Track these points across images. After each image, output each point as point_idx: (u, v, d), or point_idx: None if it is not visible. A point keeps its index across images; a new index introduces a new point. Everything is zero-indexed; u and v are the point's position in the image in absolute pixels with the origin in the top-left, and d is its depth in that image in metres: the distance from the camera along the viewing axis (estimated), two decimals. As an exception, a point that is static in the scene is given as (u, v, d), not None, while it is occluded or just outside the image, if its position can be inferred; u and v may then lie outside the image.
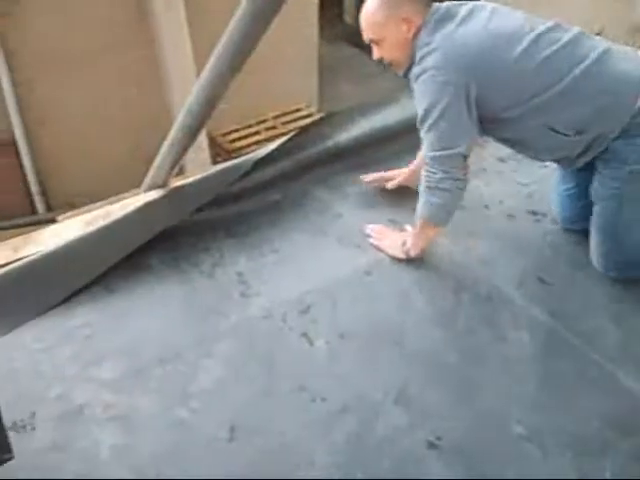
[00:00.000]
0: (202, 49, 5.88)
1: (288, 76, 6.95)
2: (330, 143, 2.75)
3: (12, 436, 1.80)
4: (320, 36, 7.33)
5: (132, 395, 1.93)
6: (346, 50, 9.19)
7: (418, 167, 2.47)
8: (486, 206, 2.54)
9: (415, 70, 2.07)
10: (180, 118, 2.16)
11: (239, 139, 6.56)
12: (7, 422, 1.84)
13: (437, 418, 1.85)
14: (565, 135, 2.06)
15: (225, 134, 6.53)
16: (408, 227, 2.38)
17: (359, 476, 1.72)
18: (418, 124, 2.11)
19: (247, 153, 4.40)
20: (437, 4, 2.13)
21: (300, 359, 2.02)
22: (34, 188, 6.20)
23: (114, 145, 6.36)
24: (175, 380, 1.97)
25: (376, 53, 2.19)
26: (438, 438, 1.80)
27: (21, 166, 6.10)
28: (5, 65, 5.56)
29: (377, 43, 2.16)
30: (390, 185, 2.59)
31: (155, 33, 5.92)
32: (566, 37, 2.02)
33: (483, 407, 1.89)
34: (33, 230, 2.52)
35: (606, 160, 2.08)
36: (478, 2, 2.14)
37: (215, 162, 6.15)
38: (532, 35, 2.01)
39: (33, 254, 2.28)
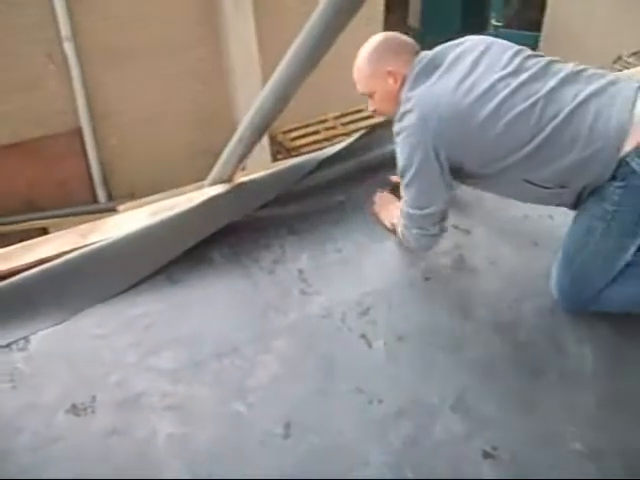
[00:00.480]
0: (268, 48, 5.97)
1: (350, 77, 6.93)
2: (393, 146, 2.73)
3: (72, 419, 1.86)
4: (384, 39, 7.30)
5: (190, 386, 1.96)
6: (409, 53, 9.15)
7: None
8: (550, 216, 2.50)
9: (395, 127, 2.09)
10: (250, 114, 2.18)
11: (299, 137, 6.60)
12: (67, 405, 1.90)
13: (494, 428, 1.83)
14: (547, 188, 1.99)
15: (286, 132, 6.58)
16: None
17: (411, 478, 1.71)
18: (399, 176, 2.14)
19: (306, 152, 4.43)
20: (424, 53, 2.12)
21: (358, 360, 2.02)
22: (97, 177, 6.34)
23: (176, 139, 6.46)
24: (232, 374, 1.99)
25: (371, 107, 2.25)
26: (494, 448, 1.78)
27: (85, 155, 6.23)
28: (75, 57, 5.69)
29: (369, 96, 2.20)
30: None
31: (223, 31, 5.99)
32: (547, 86, 1.92)
33: (541, 421, 1.86)
34: (94, 218, 2.56)
35: (591, 192, 1.98)
36: (469, 42, 2.10)
37: (275, 160, 6.19)
38: (506, 91, 1.92)
39: (99, 241, 2.32)
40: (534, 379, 1.97)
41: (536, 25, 7.26)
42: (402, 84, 2.09)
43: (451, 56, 2.05)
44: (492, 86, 1.94)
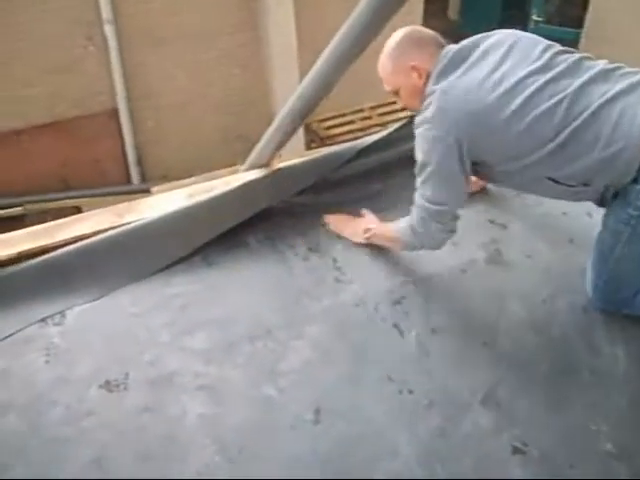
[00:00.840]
0: (306, 37, 5.97)
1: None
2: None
3: (104, 394, 1.89)
4: (423, 30, 7.26)
5: (222, 367, 1.97)
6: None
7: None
8: (589, 214, 2.48)
9: (416, 119, 2.04)
10: (291, 101, 2.18)
11: (334, 127, 6.58)
12: (100, 380, 1.92)
13: (524, 424, 1.82)
14: (570, 186, 1.95)
15: (321, 121, 6.56)
16: (365, 211, 2.42)
17: (438, 470, 1.71)
18: (415, 171, 2.07)
19: (341, 141, 4.42)
20: (450, 46, 2.05)
21: (390, 349, 2.02)
22: (131, 158, 6.38)
23: (211, 123, 6.48)
24: (264, 357, 2.00)
25: (399, 103, 2.22)
26: (524, 444, 1.77)
27: (121, 137, 6.28)
28: (115, 40, 5.73)
29: (395, 93, 2.15)
30: None
31: (263, 18, 5.99)
32: (576, 83, 1.88)
33: (572, 419, 1.84)
34: (127, 199, 2.58)
35: (616, 196, 1.94)
36: (498, 36, 2.04)
37: (309, 148, 6.19)
38: (533, 88, 1.88)
39: (136, 221, 2.34)
40: (566, 376, 1.95)
41: (577, 21, 7.14)
42: (427, 79, 2.03)
43: (479, 49, 2.00)
44: (520, 81, 1.90)
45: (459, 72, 1.96)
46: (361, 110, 6.81)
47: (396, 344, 2.04)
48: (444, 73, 1.98)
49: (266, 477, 1.70)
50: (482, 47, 2.01)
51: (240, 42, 6.22)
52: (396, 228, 2.19)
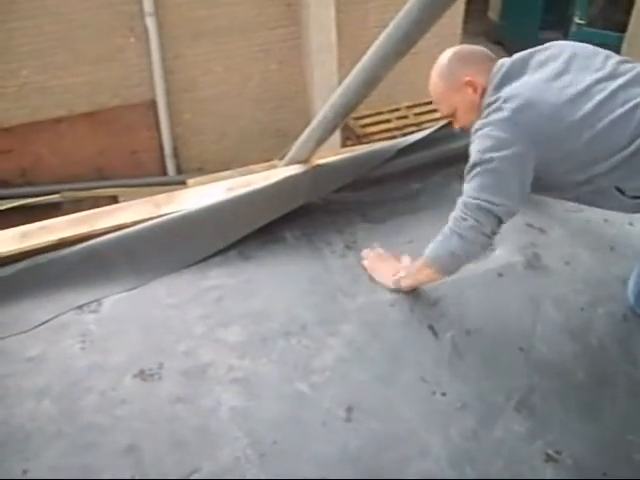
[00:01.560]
0: (345, 36, 5.98)
1: (426, 68, 6.88)
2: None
3: (138, 383, 1.90)
4: (463, 30, 7.23)
5: (255, 361, 1.98)
6: (487, 47, 8.96)
7: None
8: (631, 223, 2.44)
9: (477, 123, 1.95)
10: (334, 96, 2.18)
11: (370, 125, 6.57)
12: (135, 369, 1.94)
13: (558, 432, 1.80)
14: (636, 197, 1.90)
15: (357, 118, 6.55)
16: (405, 258, 2.26)
17: (469, 473, 1.70)
18: (465, 174, 1.98)
19: (376, 140, 4.42)
20: (503, 60, 1.99)
21: (424, 350, 2.01)
22: (168, 150, 6.44)
23: (248, 117, 6.52)
24: (298, 353, 2.00)
25: (456, 125, 2.12)
26: (557, 452, 1.75)
27: (158, 128, 6.33)
28: (156, 32, 5.78)
29: (452, 115, 2.09)
30: None
31: (303, 14, 6.01)
32: None
33: (607, 428, 1.82)
34: (163, 190, 2.60)
35: None
36: (554, 48, 1.99)
37: (344, 145, 6.19)
38: (604, 94, 1.83)
39: (175, 212, 2.35)
40: (602, 385, 1.93)
41: (621, 25, 7.06)
42: (483, 93, 1.98)
43: (537, 59, 1.96)
44: (589, 87, 1.85)
45: (518, 80, 1.92)
46: (398, 109, 6.80)
47: (431, 345, 2.03)
48: (503, 83, 1.93)
49: (296, 473, 1.70)
50: (538, 57, 1.96)
51: (279, 37, 6.25)
52: (429, 254, 2.03)
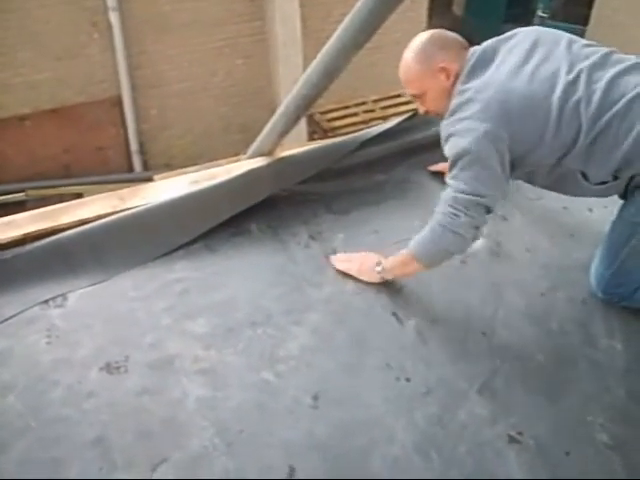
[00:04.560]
0: (310, 30, 5.98)
1: (391, 61, 6.91)
2: (436, 130, 2.72)
3: (105, 376, 1.90)
4: (427, 25, 7.28)
5: (221, 352, 1.99)
6: (451, 41, 9.09)
7: None
8: (590, 209, 2.49)
9: (447, 120, 1.98)
10: (295, 89, 2.19)
11: (337, 119, 6.60)
12: (101, 362, 1.94)
13: (520, 414, 1.83)
14: (602, 183, 1.97)
15: (324, 112, 6.58)
16: (368, 253, 2.26)
17: (434, 458, 1.73)
18: (448, 168, 1.99)
19: (343, 134, 4.43)
20: (474, 48, 2.04)
21: (389, 337, 2.04)
22: (134, 147, 6.40)
23: (215, 113, 6.50)
24: (264, 343, 2.01)
25: (421, 108, 2.16)
26: (519, 433, 1.79)
27: (124, 124, 6.29)
28: (120, 27, 5.74)
29: (420, 97, 2.11)
30: (431, 167, 2.64)
31: (268, 9, 6.00)
32: (608, 75, 1.88)
33: (568, 410, 1.86)
34: (129, 187, 2.59)
35: (638, 187, 1.97)
36: (520, 35, 2.04)
37: (311, 139, 6.21)
38: (569, 77, 1.89)
39: (139, 206, 2.35)
40: (563, 368, 1.97)
41: (582, 19, 7.16)
42: (455, 79, 2.02)
43: (505, 47, 2.00)
44: (554, 73, 1.90)
45: (491, 69, 1.96)
46: (364, 103, 6.83)
47: (395, 332, 2.05)
48: (474, 71, 1.97)
49: (264, 460, 1.71)
50: (507, 46, 2.01)
51: (244, 32, 6.24)
52: (409, 248, 2.05)
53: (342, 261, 2.28)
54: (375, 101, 6.83)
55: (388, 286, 2.19)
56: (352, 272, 2.23)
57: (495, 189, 1.94)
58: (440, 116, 2.08)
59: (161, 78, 6.20)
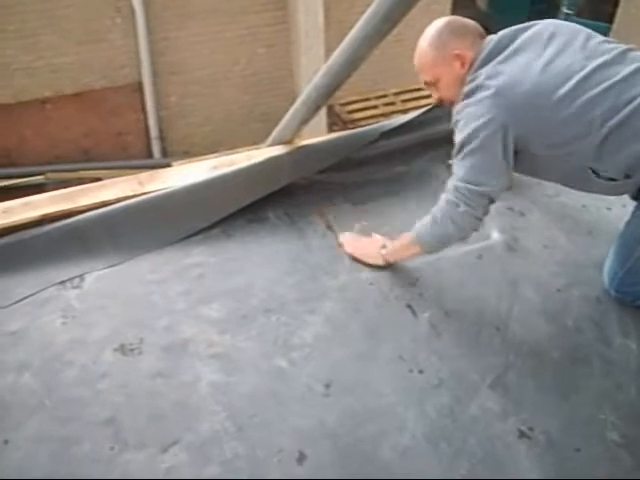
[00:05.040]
0: (333, 21, 5.96)
1: (413, 54, 6.90)
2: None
3: (119, 358, 1.92)
4: (451, 18, 7.24)
5: (235, 337, 2.00)
6: (474, 36, 9.04)
7: None
8: (608, 208, 2.48)
9: (458, 105, 1.98)
10: (317, 77, 2.18)
11: (357, 111, 6.59)
12: (115, 344, 1.95)
13: (532, 409, 1.83)
14: (611, 180, 1.95)
15: (344, 104, 6.57)
16: (376, 235, 2.29)
17: (444, 448, 1.73)
18: (453, 154, 2.00)
19: (362, 125, 4.42)
20: (491, 36, 2.01)
21: (402, 329, 2.04)
22: (153, 133, 6.41)
23: (235, 101, 6.50)
24: (278, 330, 2.02)
25: (435, 95, 2.13)
26: (530, 429, 1.78)
27: (144, 110, 6.31)
28: (143, 13, 5.75)
29: (434, 85, 2.08)
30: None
31: (292, -2, 6.00)
32: (624, 72, 1.85)
33: (580, 407, 1.85)
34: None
35: None
36: (539, 26, 2.01)
37: (331, 131, 6.20)
38: (583, 72, 1.86)
39: (158, 190, 2.36)
40: (577, 365, 1.96)
41: (608, 16, 7.10)
42: (469, 67, 1.99)
43: (522, 37, 1.98)
44: (568, 66, 1.88)
45: (502, 57, 1.94)
46: (384, 95, 6.81)
47: (409, 324, 2.05)
48: (488, 59, 1.96)
49: (274, 445, 1.72)
50: (524, 36, 1.98)
51: (267, 21, 6.23)
52: (412, 232, 2.09)
53: (350, 243, 2.30)
54: (396, 94, 6.81)
55: (403, 278, 2.19)
56: (357, 255, 2.26)
57: (497, 179, 1.94)
58: (453, 105, 2.06)
59: (182, 65, 6.21)
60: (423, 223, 2.05)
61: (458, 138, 1.96)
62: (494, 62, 1.95)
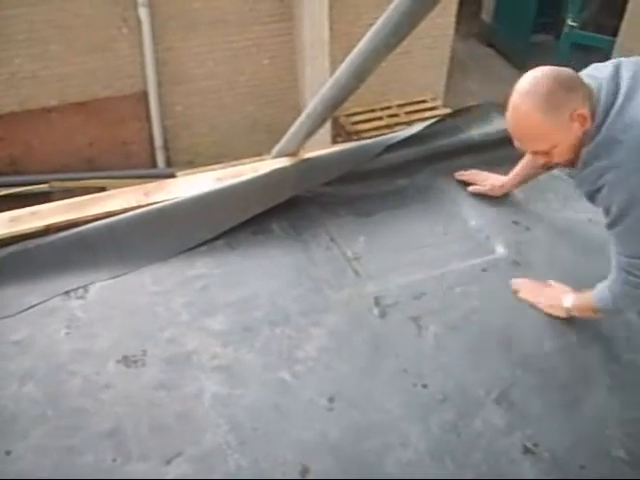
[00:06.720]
0: (338, 33, 5.99)
1: (418, 67, 6.95)
2: (463, 136, 2.73)
3: (122, 369, 1.92)
4: (455, 31, 7.27)
5: (239, 350, 2.00)
6: (479, 48, 9.09)
7: (509, 184, 2.47)
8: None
9: (591, 168, 1.74)
10: (324, 89, 2.19)
11: (361, 122, 6.62)
12: (119, 355, 1.95)
13: (537, 425, 1.83)
14: None
15: (348, 115, 6.59)
16: (552, 282, 2.19)
17: (448, 463, 1.72)
18: (609, 226, 1.79)
19: (366, 137, 4.43)
20: (590, 82, 1.75)
21: (407, 343, 2.03)
22: (158, 142, 6.44)
23: (240, 112, 6.53)
24: (282, 342, 2.02)
25: (542, 160, 1.84)
26: (535, 445, 1.78)
27: (149, 120, 6.33)
28: (149, 23, 5.78)
29: (547, 153, 1.78)
30: (471, 189, 2.55)
31: (297, 10, 6.02)
32: None
33: (586, 423, 1.85)
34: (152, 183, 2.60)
35: None
36: (626, 64, 1.79)
37: (335, 142, 6.21)
38: None
39: (163, 201, 2.37)
40: (583, 382, 1.95)
41: (612, 30, 7.12)
42: (589, 122, 1.72)
43: (622, 78, 1.74)
44: None
45: (619, 105, 1.70)
46: (389, 107, 6.84)
47: (413, 338, 2.05)
48: (606, 110, 1.70)
49: (277, 459, 1.72)
50: (623, 76, 1.74)
51: (272, 32, 6.26)
52: (597, 299, 1.95)
53: (529, 292, 2.19)
54: (400, 106, 6.84)
55: (408, 292, 2.19)
56: (534, 301, 2.17)
57: None
58: (569, 167, 1.85)
59: (187, 75, 6.24)
60: (607, 298, 1.91)
61: (610, 206, 1.73)
62: (614, 111, 1.70)
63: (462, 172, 2.61)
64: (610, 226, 1.78)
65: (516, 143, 1.82)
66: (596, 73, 1.79)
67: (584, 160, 1.75)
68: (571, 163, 1.80)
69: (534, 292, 2.18)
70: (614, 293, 1.88)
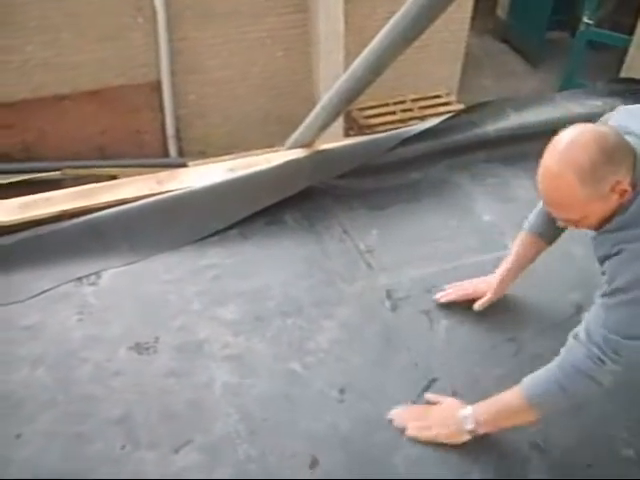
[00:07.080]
0: (353, 25, 5.96)
1: (433, 62, 6.92)
2: (478, 131, 2.72)
3: (133, 356, 1.92)
4: (470, 27, 7.23)
5: (250, 340, 2.00)
6: (493, 45, 9.03)
7: (506, 277, 2.09)
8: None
9: (623, 233, 1.56)
10: (340, 81, 2.18)
11: (374, 116, 6.58)
12: (130, 342, 1.95)
13: (546, 423, 1.80)
14: None
15: (361, 109, 6.56)
16: (438, 397, 1.85)
17: (455, 457, 1.73)
18: (605, 295, 1.60)
19: (379, 131, 4.42)
20: (631, 143, 1.55)
21: (418, 336, 2.03)
22: (170, 132, 6.42)
23: (253, 103, 6.51)
24: (293, 333, 2.02)
25: (566, 224, 1.70)
26: (544, 441, 1.78)
27: (162, 109, 6.32)
28: (164, 12, 5.76)
29: (577, 221, 1.62)
30: (478, 306, 2.09)
31: (311, 1, 5.99)
32: None
33: (595, 422, 1.84)
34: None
35: None
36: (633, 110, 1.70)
37: (347, 135, 6.19)
38: None
39: (176, 190, 2.37)
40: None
41: (629, 28, 7.07)
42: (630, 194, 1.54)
43: None
44: None
45: None
46: (403, 101, 6.81)
47: (425, 332, 2.04)
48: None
49: (286, 449, 1.72)
50: None
51: (287, 24, 6.23)
52: (517, 392, 1.68)
53: (417, 425, 1.79)
54: (414, 100, 6.81)
55: (420, 286, 2.18)
56: (422, 436, 1.77)
57: None
58: (592, 229, 1.67)
59: (201, 65, 6.22)
60: (539, 380, 1.67)
61: (621, 273, 1.57)
62: None
63: (440, 294, 2.18)
64: (610, 294, 1.59)
65: (544, 204, 1.71)
66: (633, 126, 1.61)
67: (613, 228, 1.59)
68: (596, 227, 1.65)
69: (418, 419, 1.81)
70: (561, 367, 1.64)
